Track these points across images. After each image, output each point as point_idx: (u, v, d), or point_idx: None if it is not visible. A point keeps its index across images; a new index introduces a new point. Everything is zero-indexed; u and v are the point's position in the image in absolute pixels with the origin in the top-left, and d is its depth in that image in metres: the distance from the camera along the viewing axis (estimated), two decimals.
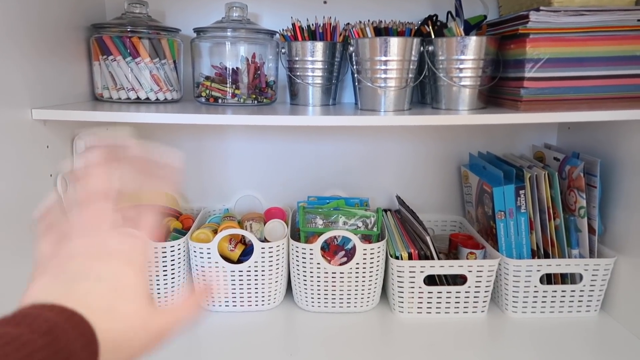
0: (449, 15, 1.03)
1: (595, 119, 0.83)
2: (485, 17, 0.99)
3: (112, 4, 1.09)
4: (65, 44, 0.92)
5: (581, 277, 0.96)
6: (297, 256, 0.97)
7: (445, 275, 0.98)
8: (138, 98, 0.98)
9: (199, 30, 0.99)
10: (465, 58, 0.88)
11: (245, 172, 1.20)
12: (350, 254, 0.97)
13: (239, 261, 0.98)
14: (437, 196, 1.23)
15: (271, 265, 0.97)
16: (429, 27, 0.97)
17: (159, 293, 0.98)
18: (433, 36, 0.93)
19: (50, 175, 0.86)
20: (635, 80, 0.87)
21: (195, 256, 0.97)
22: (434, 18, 1.04)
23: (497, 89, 0.96)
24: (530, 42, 0.85)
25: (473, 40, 0.87)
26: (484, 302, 0.97)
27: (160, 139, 1.17)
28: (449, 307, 0.97)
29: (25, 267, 0.79)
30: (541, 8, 0.84)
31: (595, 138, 1.04)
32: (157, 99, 0.99)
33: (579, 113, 0.83)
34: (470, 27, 0.98)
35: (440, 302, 0.97)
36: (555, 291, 0.96)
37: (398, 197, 1.13)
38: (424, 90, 1.09)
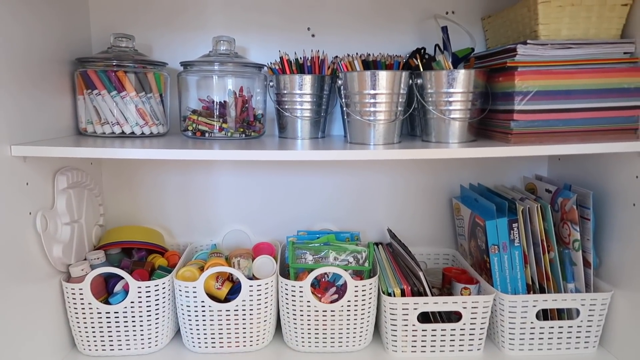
0: (437, 48, 1.03)
1: (586, 151, 0.83)
2: (472, 49, 0.99)
3: (98, 38, 1.08)
4: (49, 78, 0.90)
5: (578, 312, 0.93)
6: (287, 294, 0.94)
7: (439, 312, 0.95)
8: (123, 132, 0.96)
9: (186, 64, 0.98)
10: (455, 91, 0.87)
11: (233, 207, 1.18)
12: (341, 290, 0.94)
13: (226, 300, 0.94)
14: (429, 229, 1.21)
15: (260, 304, 0.94)
16: (417, 60, 0.97)
17: (142, 335, 0.94)
18: (422, 69, 0.93)
19: (30, 213, 0.83)
20: (624, 113, 0.87)
21: (181, 295, 0.93)
22: (422, 51, 1.05)
23: (486, 122, 0.96)
24: (519, 75, 0.85)
25: (462, 73, 0.87)
26: (479, 339, 0.94)
27: (146, 173, 1.15)
28: (444, 345, 0.94)
29: (0, 306, 0.75)
30: (528, 41, 0.84)
31: (586, 170, 1.03)
32: (142, 133, 0.97)
33: (570, 146, 0.82)
34: (458, 60, 0.98)
35: (435, 340, 0.94)
36: (552, 327, 0.94)
37: (389, 230, 1.11)
38: (413, 122, 1.08)
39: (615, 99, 0.87)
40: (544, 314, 0.96)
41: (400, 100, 0.89)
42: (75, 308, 0.92)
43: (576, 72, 0.86)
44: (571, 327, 0.94)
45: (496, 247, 0.94)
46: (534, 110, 0.86)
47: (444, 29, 1.01)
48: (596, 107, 0.87)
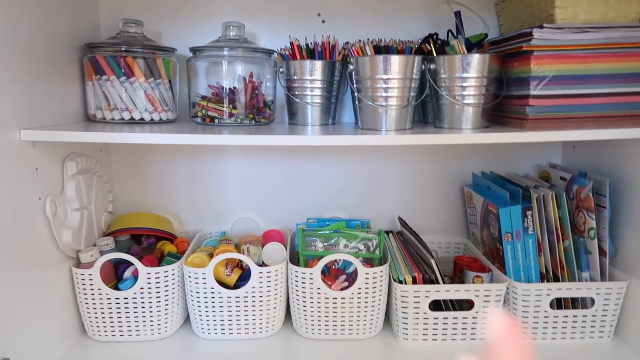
0: (450, 33, 1.02)
1: (604, 137, 0.81)
2: (486, 35, 0.97)
3: (107, 24, 1.07)
4: (58, 64, 0.90)
5: (593, 301, 0.92)
6: (297, 281, 0.93)
7: (451, 300, 0.94)
8: (132, 118, 0.95)
9: (195, 50, 0.97)
10: (468, 76, 0.86)
11: (242, 194, 1.17)
12: (351, 278, 0.93)
13: (236, 286, 0.94)
14: (440, 217, 1.19)
15: (269, 291, 0.93)
16: (429, 45, 0.95)
17: (151, 321, 0.93)
18: (435, 54, 0.91)
19: (39, 198, 0.83)
20: None
21: (190, 281, 0.92)
22: (435, 37, 1.03)
23: (501, 108, 0.94)
24: (535, 60, 0.83)
25: (476, 58, 0.85)
26: None
27: (155, 160, 1.15)
28: (455, 334, 0.93)
29: (7, 289, 0.74)
30: (544, 25, 0.82)
31: (601, 157, 1.01)
32: (152, 120, 0.97)
33: (587, 131, 0.80)
34: (472, 46, 0.96)
35: (446, 329, 0.93)
36: (566, 316, 0.92)
37: (400, 219, 1.10)
38: (425, 109, 1.06)
39: (634, 84, 0.85)
40: (558, 303, 0.95)
41: (412, 85, 0.87)
42: (85, 294, 0.92)
43: (594, 56, 0.84)
44: (585, 316, 0.92)
45: (509, 235, 0.93)
46: (550, 96, 0.84)
47: (457, 14, 0.99)
48: (614, 92, 0.85)
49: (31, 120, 0.81)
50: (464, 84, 0.86)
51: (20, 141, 0.78)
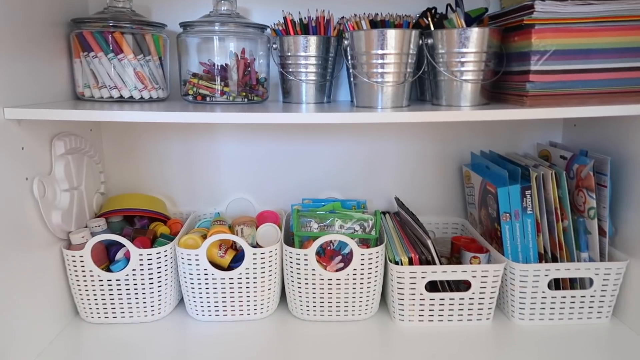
0: (449, 7, 0.98)
1: (607, 113, 0.78)
2: (486, 9, 0.94)
3: None
4: (43, 40, 0.87)
5: (591, 281, 0.91)
6: (291, 262, 0.92)
7: (447, 281, 0.92)
8: (121, 97, 0.93)
9: (185, 25, 0.94)
10: (467, 51, 0.83)
11: (236, 174, 1.15)
12: (347, 259, 0.92)
13: (230, 268, 0.92)
14: (438, 197, 1.18)
15: (263, 272, 0.92)
16: (427, 19, 0.92)
17: (144, 303, 0.92)
18: (432, 28, 0.88)
19: (26, 179, 0.81)
20: None
21: (183, 263, 0.91)
22: (433, 11, 0.99)
23: (500, 84, 0.91)
24: (536, 33, 0.80)
25: (475, 32, 0.82)
26: (489, 309, 0.92)
27: (147, 140, 1.12)
28: (452, 315, 0.92)
29: (0, 274, 0.73)
30: None
31: (603, 135, 0.99)
32: (141, 98, 0.94)
33: (589, 108, 0.78)
34: (471, 20, 0.93)
35: (442, 310, 0.91)
36: (564, 297, 0.91)
37: (397, 199, 1.08)
38: (423, 86, 1.04)
39: (638, 58, 0.82)
40: (556, 284, 0.94)
41: (409, 61, 0.85)
42: (76, 276, 0.90)
43: (597, 29, 0.81)
44: (584, 296, 0.91)
45: (508, 215, 0.91)
46: (551, 71, 0.81)
47: None
48: (617, 68, 0.82)
49: (16, 98, 0.79)
50: (463, 60, 0.83)
51: (4, 119, 0.75)
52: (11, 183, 0.77)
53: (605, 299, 0.91)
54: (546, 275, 0.89)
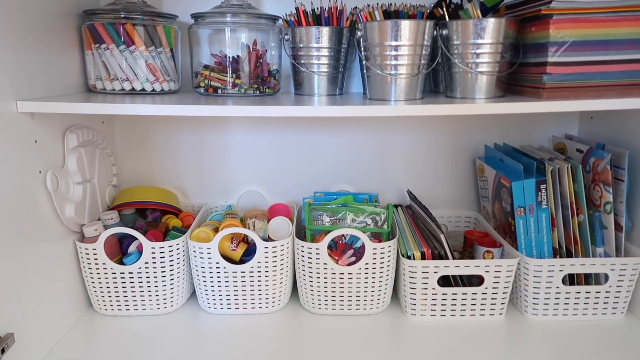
0: None
1: (625, 106, 0.76)
2: None
3: None
4: (55, 32, 0.86)
5: (607, 277, 0.89)
6: (303, 256, 0.91)
7: (460, 276, 0.92)
8: (133, 89, 0.93)
9: (197, 16, 0.93)
10: (483, 42, 0.81)
11: (248, 167, 1.15)
12: (359, 253, 0.91)
13: (241, 261, 0.92)
14: (451, 191, 1.16)
15: (275, 266, 0.92)
16: (442, 9, 0.90)
17: (157, 296, 0.93)
18: (447, 19, 0.87)
19: (40, 172, 0.81)
20: None
21: (195, 256, 0.91)
22: (448, 1, 0.97)
23: (516, 76, 0.90)
24: (554, 24, 0.78)
25: (491, 23, 0.80)
26: (502, 304, 0.91)
27: (159, 132, 1.12)
28: (464, 310, 0.91)
29: (11, 265, 0.74)
30: None
31: (620, 127, 0.97)
32: (153, 90, 0.94)
33: (607, 101, 0.76)
34: (487, 10, 0.91)
35: (455, 304, 0.91)
36: (579, 292, 0.90)
37: (409, 192, 1.07)
38: (437, 78, 1.02)
39: None
40: (571, 279, 0.92)
41: (423, 52, 0.83)
42: (89, 268, 0.91)
43: (617, 19, 0.78)
44: (599, 292, 0.90)
45: (522, 209, 0.90)
46: (569, 63, 0.79)
47: None
48: (637, 59, 0.80)
49: (28, 91, 0.79)
50: (478, 51, 0.82)
51: (17, 113, 0.75)
52: (25, 176, 0.77)
53: (620, 294, 0.90)
54: (560, 271, 0.88)
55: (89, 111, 0.77)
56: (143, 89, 0.93)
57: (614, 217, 0.89)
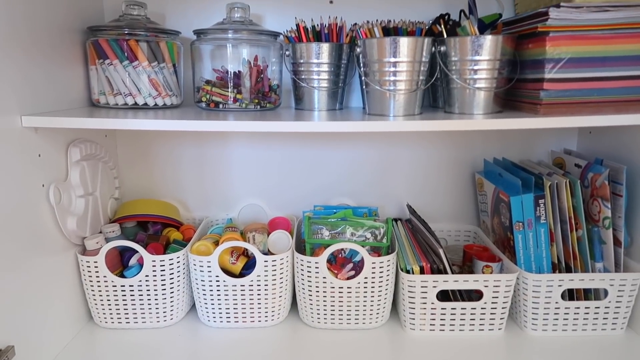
0: (462, 13, 0.97)
1: (621, 123, 0.77)
2: (500, 15, 0.93)
3: (110, 5, 1.05)
4: (59, 48, 0.88)
5: (606, 292, 0.89)
6: (302, 269, 0.92)
7: (459, 290, 0.92)
8: (136, 104, 0.94)
9: (199, 32, 0.95)
10: (480, 59, 0.82)
11: (249, 180, 1.15)
12: (358, 267, 0.91)
13: (241, 275, 0.93)
14: (450, 205, 1.17)
15: (275, 279, 0.92)
16: (440, 26, 0.91)
17: (157, 309, 0.93)
18: (445, 36, 0.88)
19: (43, 185, 0.82)
20: None
21: (195, 270, 0.92)
22: (446, 17, 0.99)
23: (514, 92, 0.90)
24: (551, 41, 0.79)
25: (488, 40, 0.81)
26: (501, 319, 0.91)
27: (161, 146, 1.13)
28: (463, 324, 0.91)
29: (12, 277, 0.74)
30: (562, 4, 0.78)
31: (619, 143, 0.97)
32: (155, 105, 0.95)
33: (604, 117, 0.77)
34: (485, 27, 0.92)
35: (454, 319, 0.91)
36: (578, 308, 0.90)
37: (409, 206, 1.08)
38: (435, 93, 1.03)
39: None
40: (570, 294, 0.92)
41: (422, 69, 0.84)
42: (90, 281, 0.91)
43: (613, 37, 0.79)
44: (598, 307, 0.90)
45: (521, 224, 0.90)
46: (565, 79, 0.80)
47: None
48: (634, 75, 0.81)
49: (33, 106, 0.80)
50: (476, 67, 0.83)
51: (21, 127, 0.77)
52: (28, 189, 0.78)
53: (620, 310, 0.90)
54: (560, 286, 0.88)
55: (92, 126, 0.78)
56: (145, 104, 0.94)
57: (613, 232, 0.89)
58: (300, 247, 0.98)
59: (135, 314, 0.93)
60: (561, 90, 0.81)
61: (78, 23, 0.94)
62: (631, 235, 0.93)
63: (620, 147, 0.97)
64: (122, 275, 0.92)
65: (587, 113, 0.79)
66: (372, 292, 0.91)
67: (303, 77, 0.95)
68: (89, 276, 0.91)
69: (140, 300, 0.92)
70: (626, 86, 0.81)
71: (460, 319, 0.91)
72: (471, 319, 0.91)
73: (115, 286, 0.91)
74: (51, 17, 0.85)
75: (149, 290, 0.92)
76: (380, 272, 0.90)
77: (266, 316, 0.94)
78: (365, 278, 0.90)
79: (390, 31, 0.97)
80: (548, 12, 0.78)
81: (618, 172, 0.89)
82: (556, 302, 0.89)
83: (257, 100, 0.95)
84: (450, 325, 0.91)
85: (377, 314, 0.93)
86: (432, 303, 0.90)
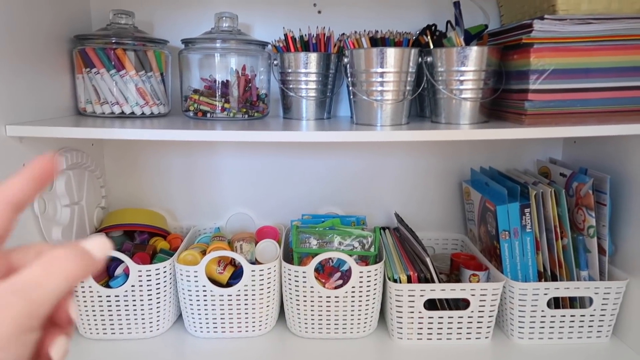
0: (449, 24, 0.99)
1: (604, 133, 0.78)
2: (486, 26, 0.94)
3: (98, 13, 1.05)
4: (46, 56, 0.87)
5: (591, 300, 0.90)
6: (290, 279, 0.92)
7: (446, 299, 0.92)
8: (123, 112, 0.94)
9: (187, 42, 0.95)
10: (466, 69, 0.83)
11: (237, 189, 1.15)
12: (346, 276, 0.91)
13: (228, 284, 0.92)
14: (438, 213, 1.18)
15: (262, 289, 0.92)
16: (427, 37, 0.93)
17: (143, 319, 0.92)
18: (432, 46, 0.89)
19: None
20: None
21: (182, 279, 0.91)
22: (433, 28, 1.00)
23: (499, 102, 0.91)
24: (535, 52, 0.80)
25: (474, 51, 0.82)
26: (488, 327, 0.91)
27: (148, 155, 1.13)
28: (450, 333, 0.91)
29: None
30: (546, 16, 0.79)
31: (603, 153, 0.99)
32: (142, 114, 0.95)
33: (587, 127, 0.78)
34: (471, 37, 0.93)
35: (441, 328, 0.91)
36: (564, 316, 0.91)
37: (397, 215, 1.08)
38: (422, 103, 1.04)
39: (637, 77, 0.82)
40: (556, 302, 0.93)
41: (409, 79, 0.85)
42: (75, 291, 0.90)
43: (596, 49, 0.81)
44: (584, 316, 0.91)
45: (507, 232, 0.91)
46: (550, 90, 0.81)
47: (456, 4, 0.96)
48: (617, 87, 0.82)
49: (18, 114, 0.79)
50: (462, 78, 0.84)
51: (5, 137, 0.76)
52: None
53: (605, 318, 0.91)
54: (545, 294, 0.89)
55: (78, 135, 0.78)
56: (133, 113, 0.94)
57: (598, 240, 0.90)
58: (288, 256, 0.98)
59: (121, 324, 0.92)
60: (545, 101, 0.82)
61: (65, 31, 0.94)
62: (615, 243, 0.94)
63: (604, 157, 0.98)
64: (107, 286, 0.91)
65: (571, 123, 0.80)
66: (359, 301, 0.91)
67: (291, 86, 0.95)
68: (74, 286, 0.90)
69: (126, 310, 0.91)
70: (609, 97, 0.82)
71: (448, 328, 0.91)
72: (458, 328, 0.91)
73: (101, 296, 0.90)
74: (38, 25, 0.85)
75: (135, 300, 0.91)
76: (368, 281, 0.90)
77: (253, 326, 0.94)
78: (353, 287, 0.90)
79: (378, 41, 0.98)
80: (532, 24, 0.79)
81: (602, 182, 0.90)
82: (542, 311, 0.90)
83: (245, 110, 0.95)
84: (438, 334, 0.91)
85: (365, 323, 0.93)
86: (420, 312, 0.90)
